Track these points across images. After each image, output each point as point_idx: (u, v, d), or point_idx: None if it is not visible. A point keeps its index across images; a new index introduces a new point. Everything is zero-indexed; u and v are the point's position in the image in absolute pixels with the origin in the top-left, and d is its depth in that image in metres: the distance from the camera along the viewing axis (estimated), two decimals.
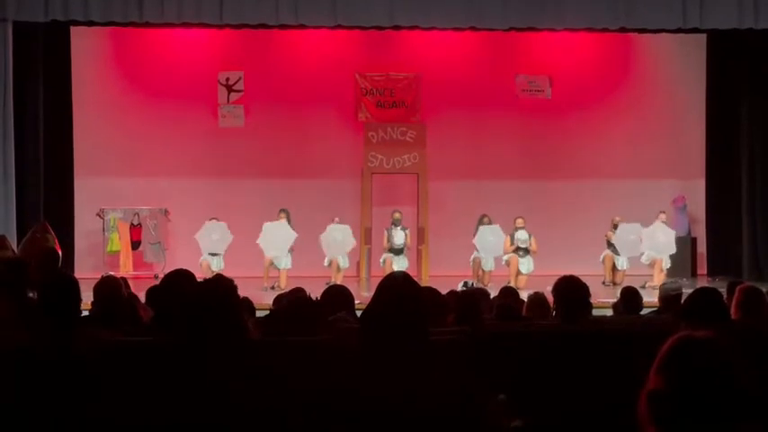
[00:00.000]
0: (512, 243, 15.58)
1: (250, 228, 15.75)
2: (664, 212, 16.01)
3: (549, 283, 6.13)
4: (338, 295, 6.06)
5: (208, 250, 15.29)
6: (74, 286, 4.76)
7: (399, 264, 15.35)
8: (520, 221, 15.71)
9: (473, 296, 6.80)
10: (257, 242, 15.09)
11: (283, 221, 15.42)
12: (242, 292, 8.36)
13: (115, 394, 3.96)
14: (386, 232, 15.88)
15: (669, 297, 7.43)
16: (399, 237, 15.82)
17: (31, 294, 5.68)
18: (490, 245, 15.55)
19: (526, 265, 15.47)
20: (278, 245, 15.09)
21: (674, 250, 15.49)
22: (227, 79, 17.05)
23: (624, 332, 5.53)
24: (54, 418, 3.97)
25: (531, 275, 15.23)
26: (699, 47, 17.23)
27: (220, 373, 3.72)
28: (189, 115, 16.90)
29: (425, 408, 3.32)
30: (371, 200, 16.45)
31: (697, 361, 2.32)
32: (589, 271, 14.55)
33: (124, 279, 8.00)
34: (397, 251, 15.74)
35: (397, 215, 15.96)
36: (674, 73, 17.64)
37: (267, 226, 15.31)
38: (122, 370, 4.08)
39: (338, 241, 15.42)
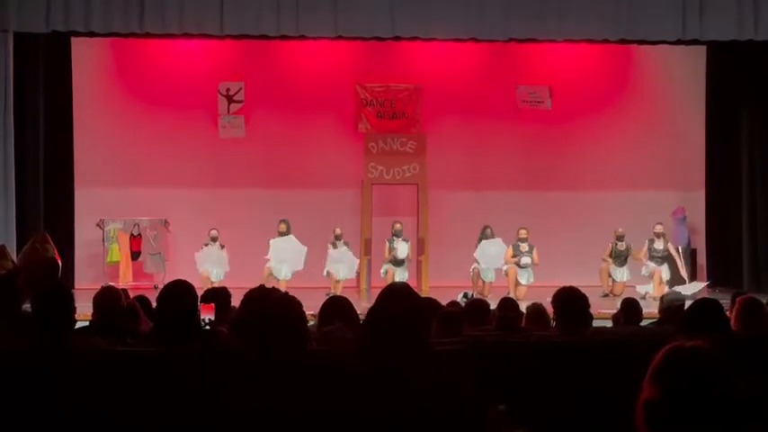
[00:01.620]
0: (513, 254, 15.59)
1: (249, 238, 15.77)
2: (660, 224, 16.01)
3: (548, 294, 6.13)
4: (337, 306, 6.04)
5: (206, 269, 15.31)
6: (66, 296, 4.77)
7: (400, 275, 15.35)
8: (523, 233, 15.70)
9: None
10: (267, 264, 15.08)
11: (290, 236, 15.40)
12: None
13: (110, 404, 3.95)
14: (387, 243, 15.89)
15: (672, 307, 7.42)
16: (401, 248, 15.82)
17: (25, 306, 5.67)
18: (490, 257, 15.57)
19: (526, 276, 15.47)
20: (290, 262, 15.09)
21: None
22: (228, 90, 17.07)
23: (624, 343, 5.52)
24: (47, 425, 3.95)
25: (531, 286, 15.23)
26: (699, 58, 17.24)
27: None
28: (189, 126, 16.91)
29: (425, 418, 3.32)
30: (371, 210, 16.45)
31: (689, 370, 2.33)
32: (589, 282, 14.56)
33: (125, 290, 8.00)
34: (399, 262, 15.75)
35: (398, 226, 15.97)
36: (674, 84, 17.66)
37: (275, 242, 15.28)
38: (118, 379, 4.06)
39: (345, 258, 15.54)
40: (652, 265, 15.54)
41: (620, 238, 15.95)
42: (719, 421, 2.27)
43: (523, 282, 15.40)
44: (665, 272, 15.48)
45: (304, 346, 3.98)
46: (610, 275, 15.84)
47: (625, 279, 15.78)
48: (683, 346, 2.38)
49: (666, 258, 15.72)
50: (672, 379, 2.33)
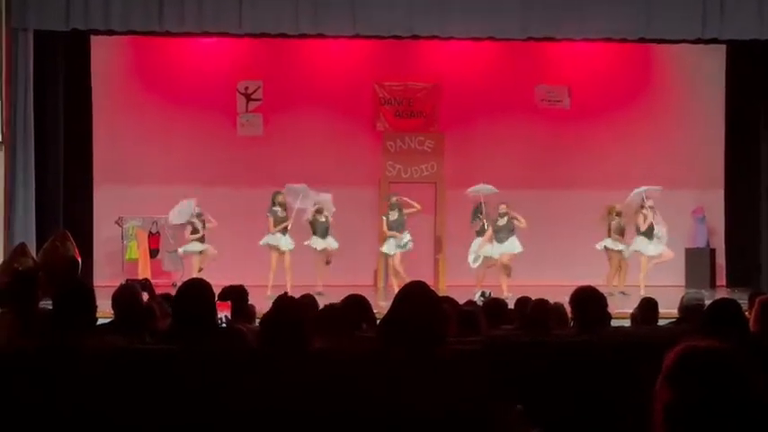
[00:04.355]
0: (489, 227, 15.34)
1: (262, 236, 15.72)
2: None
3: (566, 293, 6.11)
4: (355, 305, 6.05)
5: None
6: (88, 294, 4.78)
7: (405, 239, 15.21)
8: (503, 208, 15.38)
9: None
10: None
11: None
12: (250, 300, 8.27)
13: (119, 402, 3.95)
14: (383, 218, 15.65)
15: (692, 307, 7.38)
16: (395, 215, 15.53)
17: (45, 303, 5.69)
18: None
19: (510, 245, 15.22)
20: None
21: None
22: (246, 88, 17.11)
23: (643, 342, 5.50)
24: (62, 423, 3.97)
25: (543, 285, 15.03)
26: (718, 57, 17.16)
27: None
28: (208, 124, 16.95)
29: (441, 416, 3.32)
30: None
31: (701, 370, 2.31)
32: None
33: (147, 280, 8.02)
34: (398, 226, 15.51)
35: (393, 199, 15.77)
36: (694, 83, 17.58)
37: None
38: (130, 377, 4.07)
39: None
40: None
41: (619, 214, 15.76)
42: (737, 423, 2.25)
43: (507, 250, 15.14)
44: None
45: (305, 347, 3.98)
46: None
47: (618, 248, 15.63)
48: (696, 346, 2.36)
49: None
50: (684, 380, 2.31)
